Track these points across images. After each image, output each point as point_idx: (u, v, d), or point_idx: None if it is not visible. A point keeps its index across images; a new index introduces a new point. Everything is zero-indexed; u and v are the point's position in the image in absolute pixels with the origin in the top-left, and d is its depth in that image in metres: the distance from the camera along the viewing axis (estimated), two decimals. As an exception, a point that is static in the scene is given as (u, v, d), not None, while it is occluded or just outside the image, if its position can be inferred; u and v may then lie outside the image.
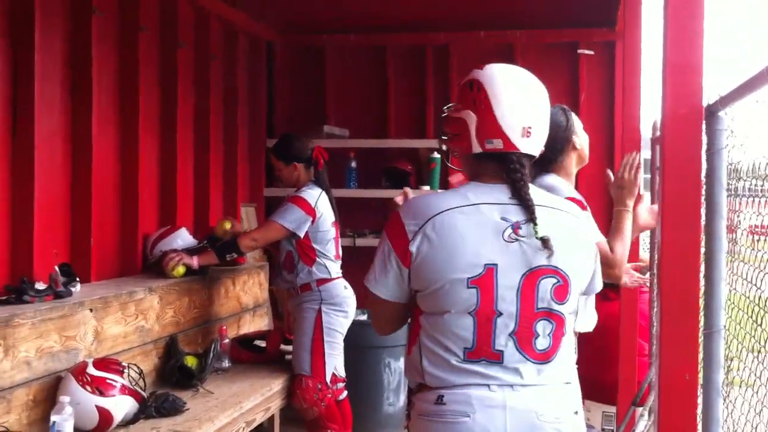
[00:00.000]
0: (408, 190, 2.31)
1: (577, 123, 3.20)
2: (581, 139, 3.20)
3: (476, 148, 2.09)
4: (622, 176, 3.09)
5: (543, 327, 2.04)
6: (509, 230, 2.02)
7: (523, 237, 2.02)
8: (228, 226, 4.59)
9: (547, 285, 2.03)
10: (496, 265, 2.00)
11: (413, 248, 2.02)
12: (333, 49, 6.20)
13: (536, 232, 2.01)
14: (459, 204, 2.04)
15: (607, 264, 2.85)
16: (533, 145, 2.12)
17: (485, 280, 2.00)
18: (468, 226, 2.02)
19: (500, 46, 6.02)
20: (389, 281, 2.08)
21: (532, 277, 2.02)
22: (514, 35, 5.98)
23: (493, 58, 6.04)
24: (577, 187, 5.89)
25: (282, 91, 6.22)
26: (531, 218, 2.03)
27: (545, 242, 2.02)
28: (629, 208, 3.06)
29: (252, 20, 5.66)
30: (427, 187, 5.71)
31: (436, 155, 5.76)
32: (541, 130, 2.13)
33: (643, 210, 3.26)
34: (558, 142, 3.10)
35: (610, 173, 3.26)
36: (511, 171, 2.07)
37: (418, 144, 5.86)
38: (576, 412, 2.11)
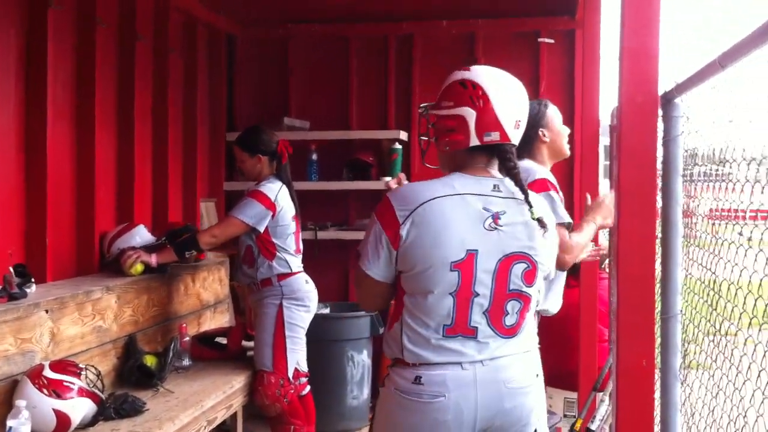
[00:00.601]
0: (402, 175, 2.52)
1: (552, 117, 3.30)
2: (553, 133, 3.30)
3: (474, 141, 2.29)
4: (602, 200, 3.27)
5: (512, 306, 2.29)
6: (490, 220, 2.26)
7: (501, 226, 2.26)
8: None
9: (518, 269, 2.28)
10: (476, 251, 2.23)
11: (403, 232, 2.22)
12: (296, 40, 6.14)
13: (533, 214, 2.28)
14: (446, 193, 2.25)
15: (562, 248, 2.94)
16: (519, 136, 2.37)
17: (466, 264, 2.23)
18: (453, 214, 2.23)
19: (463, 35, 6.01)
20: (381, 263, 2.28)
21: (506, 262, 2.27)
22: (476, 24, 5.96)
23: (455, 48, 6.11)
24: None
25: (243, 84, 6.15)
26: (526, 200, 2.29)
27: (541, 222, 2.29)
28: (597, 224, 3.22)
29: (213, 13, 5.58)
30: (388, 179, 5.69)
31: (398, 146, 5.73)
32: (525, 122, 2.38)
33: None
34: (525, 134, 3.14)
35: (589, 198, 3.48)
36: (506, 160, 2.32)
37: (380, 135, 5.83)
38: (537, 375, 2.38)
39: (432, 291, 2.23)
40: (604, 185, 5.33)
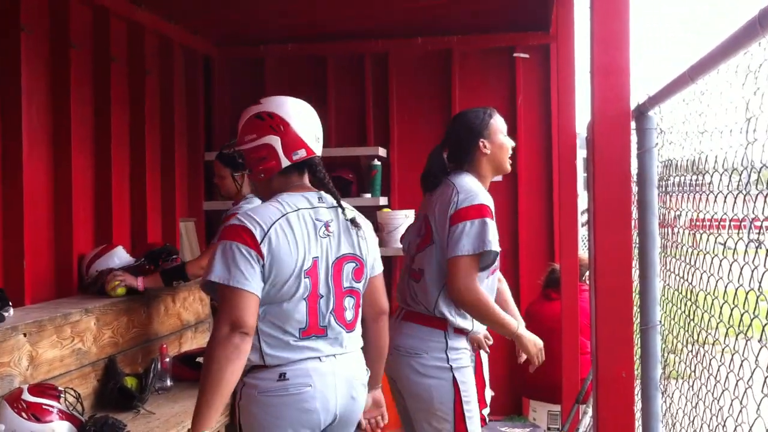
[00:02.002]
0: None
1: (496, 128, 3.13)
2: (495, 145, 3.12)
3: (285, 162, 2.58)
4: (534, 345, 3.19)
5: (348, 302, 2.61)
6: (323, 228, 2.57)
7: (331, 233, 2.59)
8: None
9: (349, 268, 2.61)
10: (318, 257, 2.54)
11: (264, 250, 2.45)
12: (272, 60, 6.15)
13: (346, 215, 2.62)
14: (288, 210, 2.53)
15: (459, 281, 2.98)
16: (321, 147, 2.68)
17: (313, 270, 2.53)
18: (298, 228, 2.51)
19: (438, 52, 6.05)
20: (257, 277, 2.44)
21: (339, 263, 2.59)
22: (451, 41, 6.00)
23: (431, 64, 6.16)
24: (517, 189, 5.94)
25: (221, 104, 6.15)
26: (338, 204, 2.62)
27: (354, 222, 2.63)
28: (515, 332, 3.11)
29: (188, 34, 5.59)
30: (368, 195, 5.71)
31: (377, 163, 5.75)
32: (321, 136, 2.69)
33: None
34: (465, 143, 3.12)
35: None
36: (316, 172, 2.64)
37: (359, 152, 5.84)
38: (366, 370, 2.71)
39: (289, 299, 2.49)
40: (582, 198, 5.36)
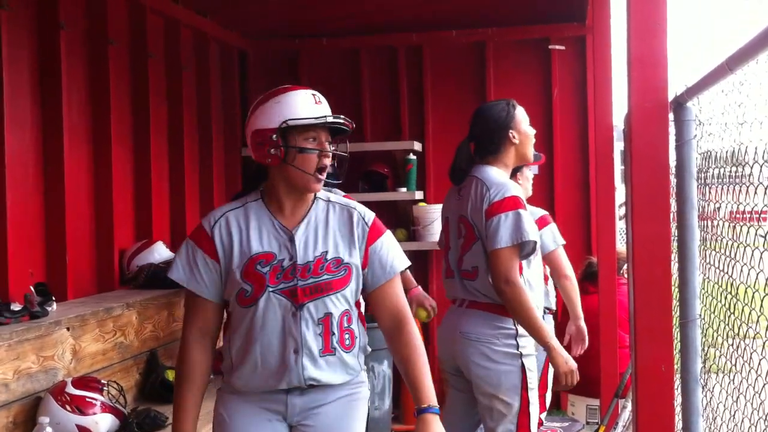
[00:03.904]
0: None
1: (520, 118, 3.23)
2: (522, 135, 3.21)
3: None
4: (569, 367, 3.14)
5: None
6: None
7: None
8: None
9: None
10: None
11: None
12: (306, 54, 6.17)
13: None
14: None
15: (501, 273, 3.00)
16: None
17: None
18: None
19: (472, 44, 6.02)
20: None
21: None
22: (485, 33, 5.97)
23: (465, 57, 6.11)
24: (553, 182, 5.92)
25: (257, 99, 6.17)
26: None
27: None
28: (550, 343, 3.05)
29: (223, 29, 5.63)
30: (404, 189, 5.71)
31: (413, 157, 5.75)
32: None
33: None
34: (495, 135, 3.20)
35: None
36: None
37: (394, 146, 5.84)
38: None
39: None
40: (620, 190, 5.32)
